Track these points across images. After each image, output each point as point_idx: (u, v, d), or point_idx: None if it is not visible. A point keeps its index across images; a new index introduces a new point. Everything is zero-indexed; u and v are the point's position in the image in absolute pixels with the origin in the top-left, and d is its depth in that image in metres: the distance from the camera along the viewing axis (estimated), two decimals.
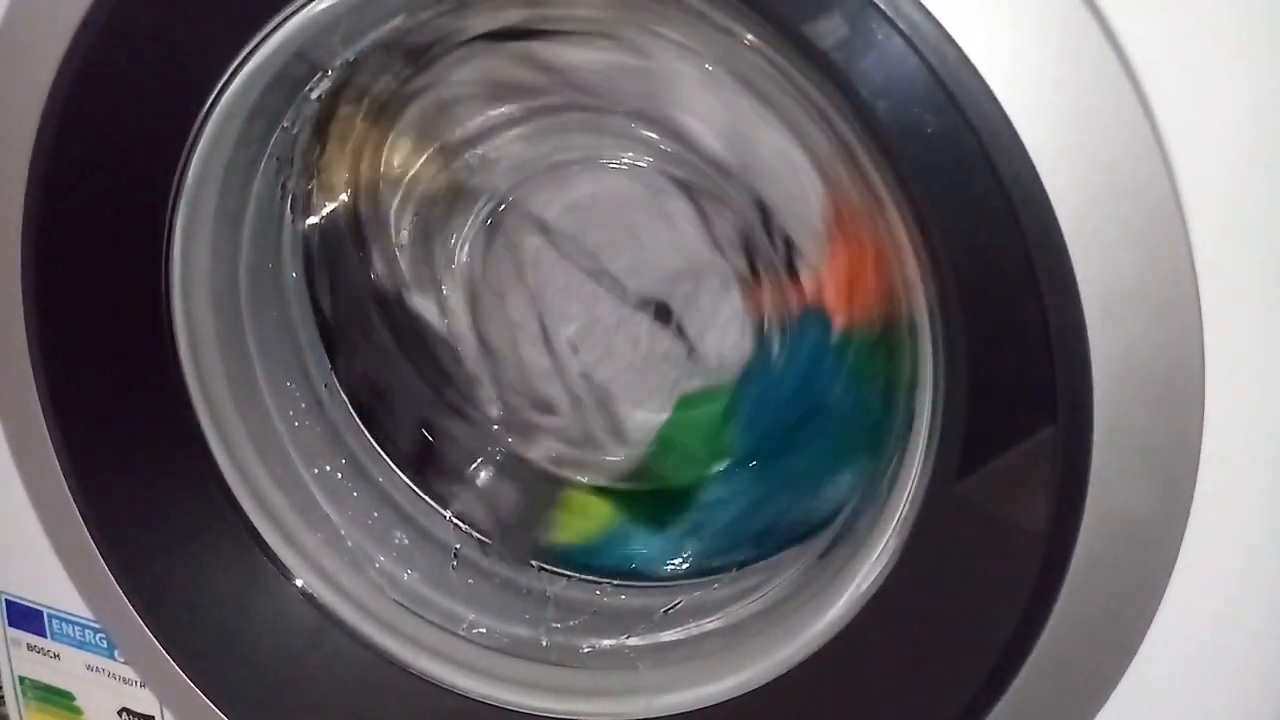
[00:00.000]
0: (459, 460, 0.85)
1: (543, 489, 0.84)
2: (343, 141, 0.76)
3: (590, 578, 0.81)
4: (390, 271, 0.81)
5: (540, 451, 0.83)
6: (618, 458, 0.82)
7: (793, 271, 0.73)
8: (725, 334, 0.77)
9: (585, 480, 0.84)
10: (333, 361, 0.82)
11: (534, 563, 0.82)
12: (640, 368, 0.79)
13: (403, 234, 0.80)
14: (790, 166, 0.68)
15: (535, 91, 0.74)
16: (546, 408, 0.82)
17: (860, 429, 0.71)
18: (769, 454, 0.78)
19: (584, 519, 0.84)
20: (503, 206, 0.79)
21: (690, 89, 0.69)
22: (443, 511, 0.83)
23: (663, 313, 0.78)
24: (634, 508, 0.82)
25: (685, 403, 0.79)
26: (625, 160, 0.76)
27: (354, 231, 0.80)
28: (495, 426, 0.84)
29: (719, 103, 0.69)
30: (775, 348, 0.75)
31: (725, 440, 0.79)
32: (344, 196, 0.78)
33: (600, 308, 0.78)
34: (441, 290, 0.81)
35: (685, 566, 0.80)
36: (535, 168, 0.77)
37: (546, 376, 0.81)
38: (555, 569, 0.82)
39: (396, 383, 0.84)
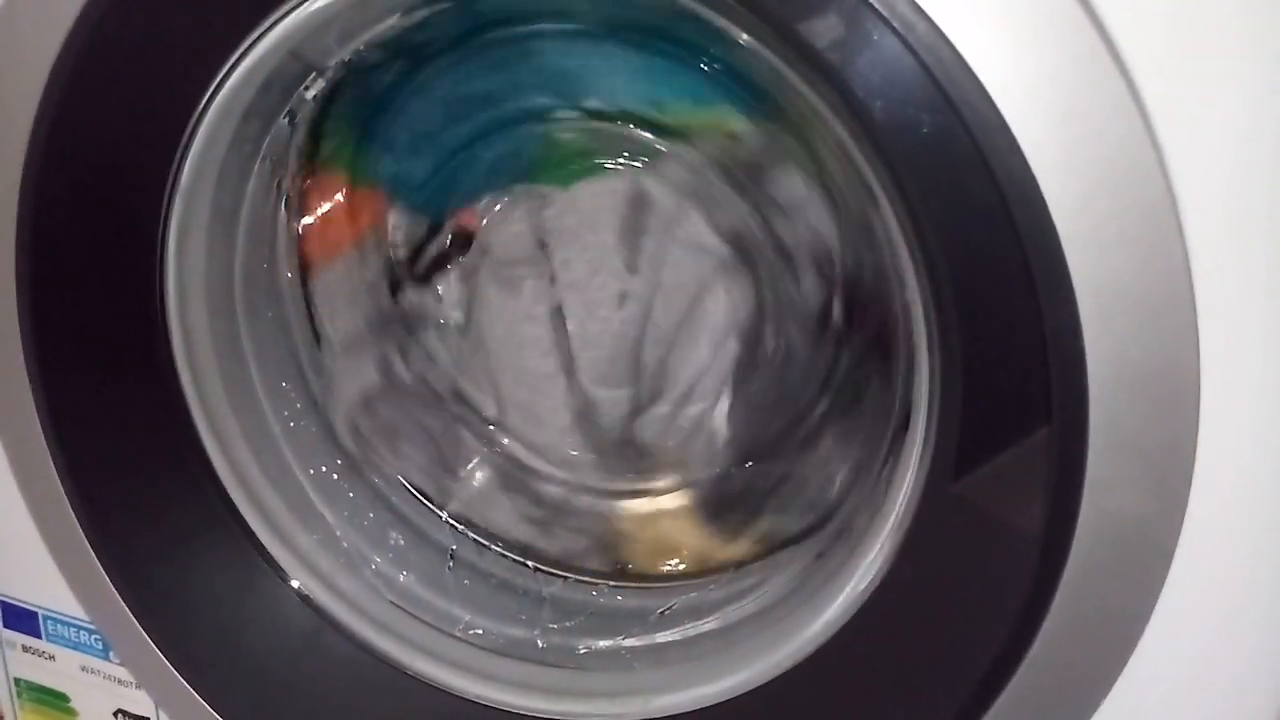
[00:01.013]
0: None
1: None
2: (338, 141, 0.76)
3: (587, 579, 0.81)
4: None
5: None
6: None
7: None
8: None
9: None
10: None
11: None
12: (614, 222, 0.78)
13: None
14: None
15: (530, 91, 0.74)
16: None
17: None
18: None
19: None
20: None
21: None
22: (439, 512, 0.83)
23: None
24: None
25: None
26: (620, 162, 0.76)
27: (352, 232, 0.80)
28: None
29: None
30: None
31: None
32: (339, 196, 0.78)
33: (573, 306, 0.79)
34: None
35: (681, 567, 0.80)
36: (531, 169, 0.77)
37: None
38: (552, 570, 0.82)
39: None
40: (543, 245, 0.78)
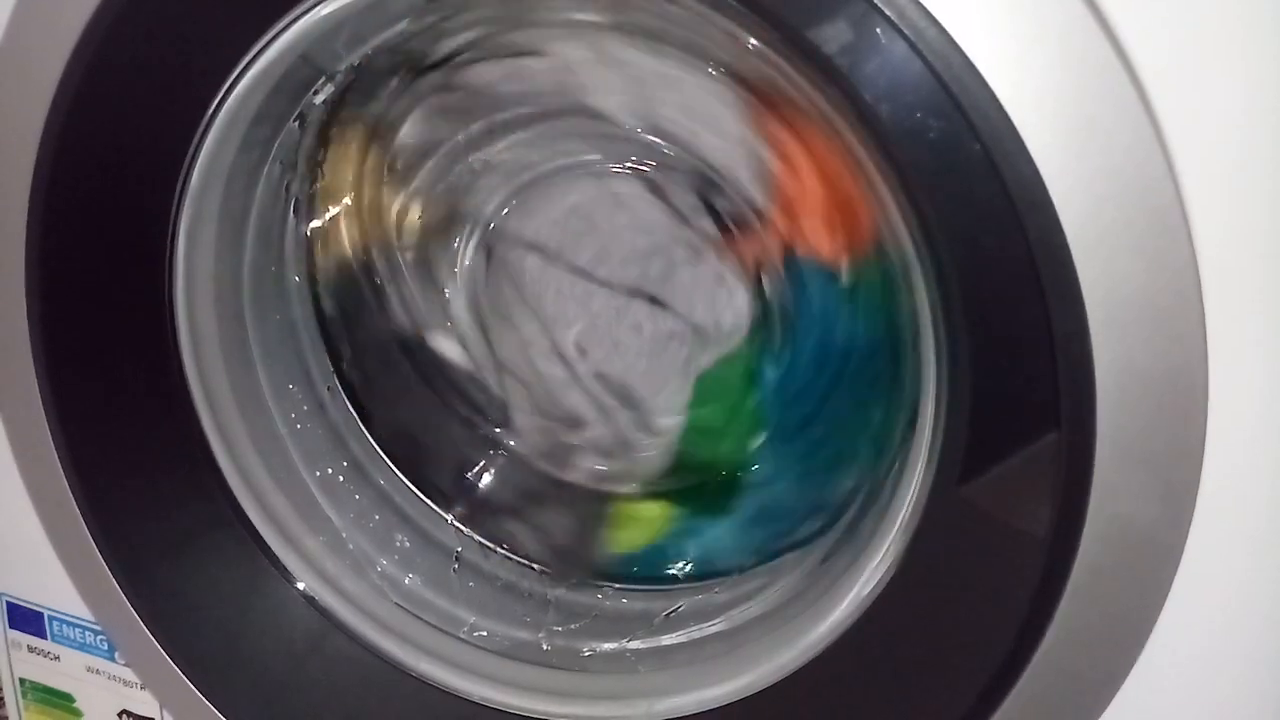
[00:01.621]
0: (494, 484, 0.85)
1: (592, 507, 0.83)
2: (346, 145, 0.76)
3: (592, 581, 0.82)
4: (399, 290, 0.82)
5: (580, 472, 0.83)
6: (652, 453, 0.81)
7: (764, 220, 0.71)
8: (714, 300, 0.76)
9: (631, 489, 0.83)
10: (334, 364, 0.82)
11: (599, 582, 0.81)
12: (649, 352, 0.79)
13: (408, 254, 0.80)
14: (715, 120, 0.68)
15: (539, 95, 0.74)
16: (575, 423, 0.81)
17: (886, 370, 0.70)
18: (802, 419, 0.76)
19: (638, 526, 0.83)
20: (491, 226, 0.79)
21: (597, 73, 0.69)
22: (444, 515, 0.83)
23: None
24: (688, 502, 0.81)
25: (704, 379, 0.78)
26: (629, 164, 0.76)
27: (359, 247, 0.80)
28: (528, 455, 0.84)
29: (621, 78, 0.68)
30: (774, 300, 0.74)
31: (752, 410, 0.77)
32: (347, 200, 0.78)
33: (596, 303, 0.78)
34: (449, 323, 0.82)
35: (688, 569, 0.80)
36: (528, 173, 0.77)
37: (566, 388, 0.80)
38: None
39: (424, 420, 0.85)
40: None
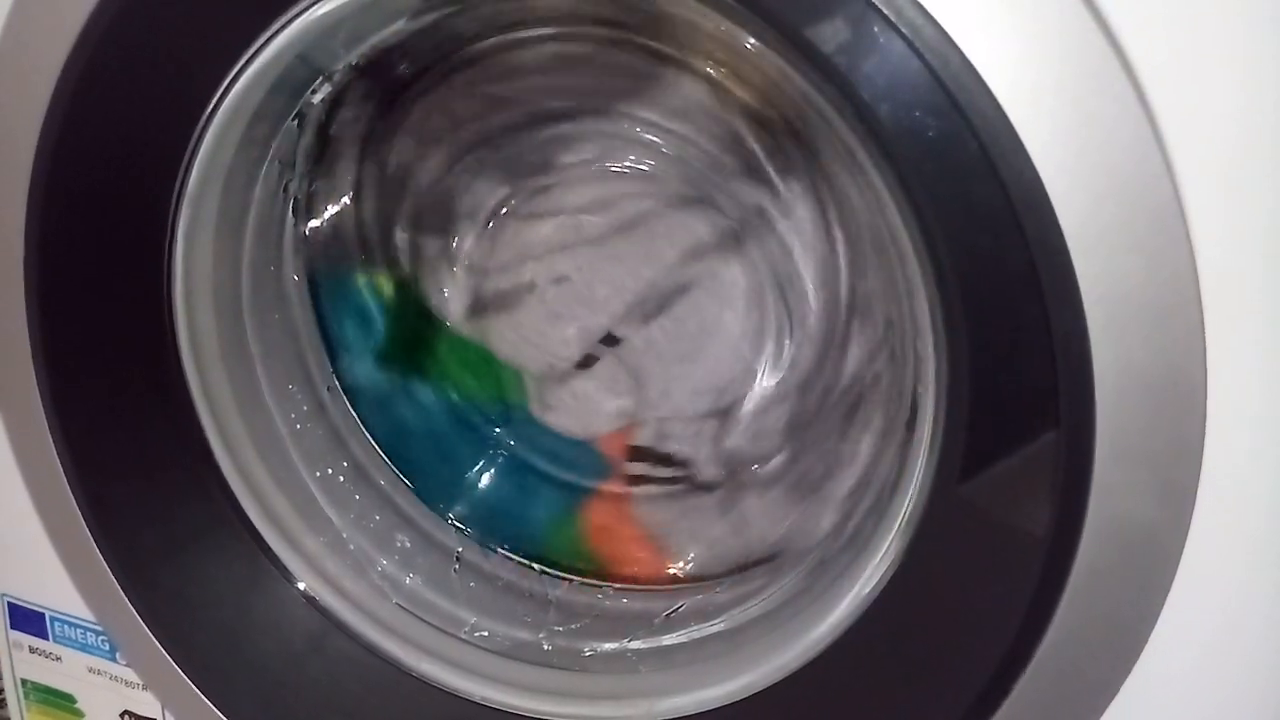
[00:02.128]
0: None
1: (379, 245, 0.84)
2: (345, 144, 0.76)
3: (593, 581, 0.82)
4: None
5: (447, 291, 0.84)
6: (454, 312, 0.83)
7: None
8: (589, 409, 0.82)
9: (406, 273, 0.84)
10: (334, 365, 0.82)
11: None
12: (541, 342, 0.82)
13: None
14: None
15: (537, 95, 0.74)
16: (485, 248, 0.82)
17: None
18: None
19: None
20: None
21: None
22: (445, 515, 0.83)
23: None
24: (402, 320, 0.85)
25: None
26: (628, 163, 0.76)
27: (357, 233, 0.80)
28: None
29: None
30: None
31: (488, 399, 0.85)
32: (346, 199, 0.78)
33: (600, 314, 0.79)
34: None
35: (688, 568, 0.80)
36: (539, 170, 0.77)
37: (511, 236, 0.81)
38: (557, 572, 0.82)
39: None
40: None
